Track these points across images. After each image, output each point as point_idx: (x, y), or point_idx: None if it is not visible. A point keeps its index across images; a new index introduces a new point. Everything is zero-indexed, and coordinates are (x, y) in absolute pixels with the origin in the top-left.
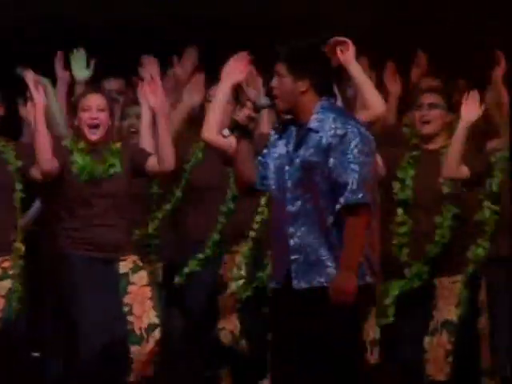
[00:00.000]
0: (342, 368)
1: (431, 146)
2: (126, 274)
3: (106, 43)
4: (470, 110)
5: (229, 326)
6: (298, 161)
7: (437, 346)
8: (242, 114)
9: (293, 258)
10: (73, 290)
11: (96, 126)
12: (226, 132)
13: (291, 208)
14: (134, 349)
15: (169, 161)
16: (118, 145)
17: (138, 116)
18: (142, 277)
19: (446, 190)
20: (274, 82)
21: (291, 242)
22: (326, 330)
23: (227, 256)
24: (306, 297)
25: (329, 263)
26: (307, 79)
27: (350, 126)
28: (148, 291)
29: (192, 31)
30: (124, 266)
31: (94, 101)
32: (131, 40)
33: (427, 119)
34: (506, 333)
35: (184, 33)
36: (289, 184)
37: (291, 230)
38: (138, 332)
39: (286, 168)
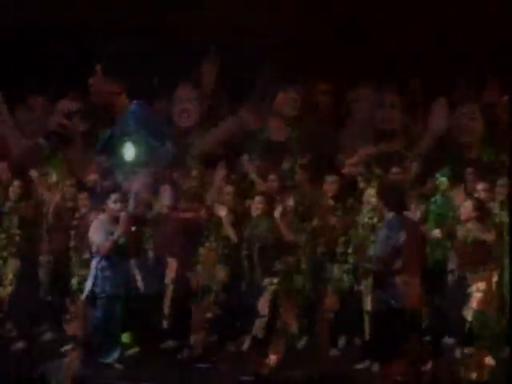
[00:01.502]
0: None
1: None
2: None
3: (105, 43)
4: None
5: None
6: None
7: None
8: (54, 122)
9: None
10: None
11: None
12: (42, 141)
13: None
14: None
15: None
16: None
17: None
18: None
19: None
20: (92, 80)
21: None
22: None
23: None
24: None
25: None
26: (121, 82)
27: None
28: None
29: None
30: None
31: None
32: (131, 40)
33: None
34: None
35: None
36: None
37: None
38: None
39: None
